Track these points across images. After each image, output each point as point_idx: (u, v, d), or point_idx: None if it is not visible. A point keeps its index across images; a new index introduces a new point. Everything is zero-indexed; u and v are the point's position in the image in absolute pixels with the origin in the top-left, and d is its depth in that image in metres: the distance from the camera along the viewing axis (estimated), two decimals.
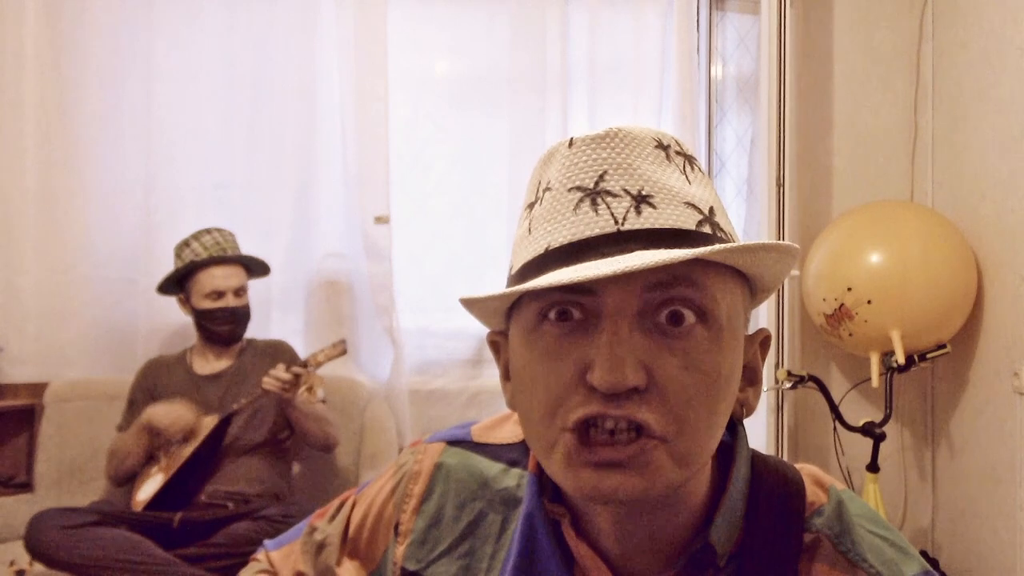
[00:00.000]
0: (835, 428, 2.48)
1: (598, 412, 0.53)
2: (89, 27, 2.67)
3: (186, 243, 2.42)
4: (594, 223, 0.55)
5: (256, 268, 2.54)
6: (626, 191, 0.56)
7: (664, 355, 0.54)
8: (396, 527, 0.74)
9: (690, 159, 0.61)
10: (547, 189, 0.59)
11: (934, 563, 2.69)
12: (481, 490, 0.71)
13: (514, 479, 0.71)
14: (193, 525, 2.16)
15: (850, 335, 2.52)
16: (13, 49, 2.61)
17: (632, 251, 0.54)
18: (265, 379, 2.29)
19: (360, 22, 2.73)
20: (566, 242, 0.56)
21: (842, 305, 2.48)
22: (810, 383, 2.39)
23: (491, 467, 0.72)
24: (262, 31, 2.76)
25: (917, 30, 2.86)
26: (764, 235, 2.56)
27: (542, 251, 0.57)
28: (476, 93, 2.92)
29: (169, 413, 2.29)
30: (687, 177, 0.59)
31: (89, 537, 2.00)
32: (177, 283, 2.44)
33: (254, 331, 2.52)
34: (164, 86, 2.71)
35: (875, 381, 2.52)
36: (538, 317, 0.57)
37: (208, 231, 2.44)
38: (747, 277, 0.61)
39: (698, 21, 2.96)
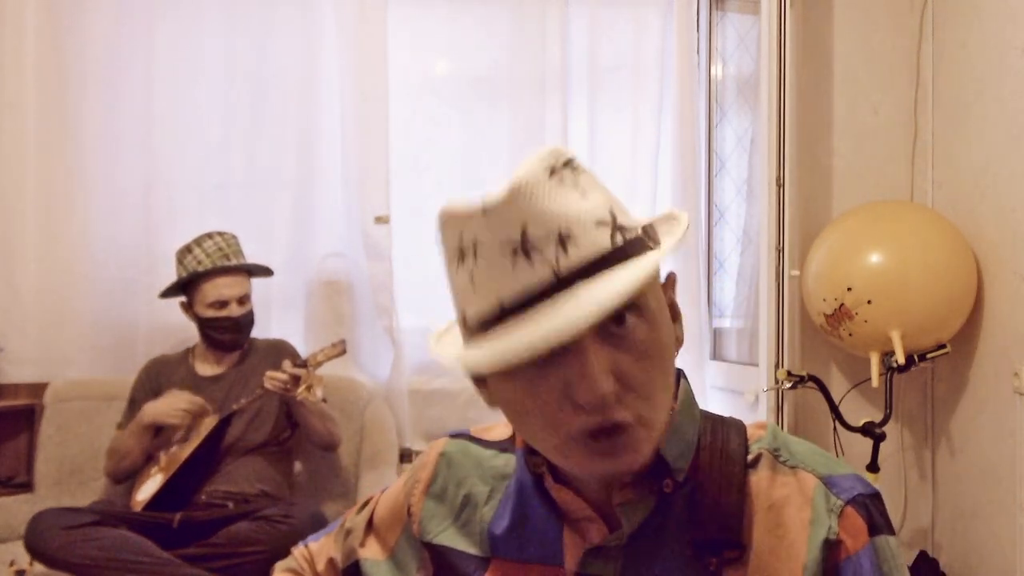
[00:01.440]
0: (835, 428, 2.48)
1: (594, 424, 0.65)
2: (89, 27, 2.67)
3: (188, 249, 2.40)
4: (534, 274, 0.63)
5: (259, 271, 2.53)
6: (548, 235, 0.63)
7: (621, 356, 0.65)
8: (409, 510, 0.87)
9: (573, 166, 0.68)
10: (477, 245, 0.66)
11: (934, 563, 2.69)
12: (476, 469, 0.85)
13: (503, 460, 0.84)
14: (193, 525, 2.16)
15: (850, 335, 2.52)
16: (13, 49, 2.62)
17: (575, 290, 0.63)
18: (266, 378, 2.29)
19: (360, 22, 2.73)
20: (517, 296, 0.63)
21: (842, 305, 2.48)
22: (810, 383, 2.39)
23: (484, 452, 0.86)
24: (262, 31, 2.76)
25: (917, 30, 2.86)
26: (764, 235, 2.55)
27: (497, 308, 0.64)
28: (476, 93, 2.92)
29: (174, 408, 2.29)
30: (581, 191, 0.67)
31: (89, 537, 2.00)
32: (180, 287, 2.43)
33: (254, 331, 2.52)
34: (164, 86, 2.71)
35: (875, 381, 2.51)
36: None
37: (210, 235, 2.41)
38: None
39: (698, 21, 2.96)
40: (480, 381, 0.74)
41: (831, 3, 2.86)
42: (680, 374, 0.78)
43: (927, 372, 2.83)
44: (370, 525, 0.91)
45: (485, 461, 0.84)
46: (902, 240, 2.52)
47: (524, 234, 0.63)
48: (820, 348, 2.82)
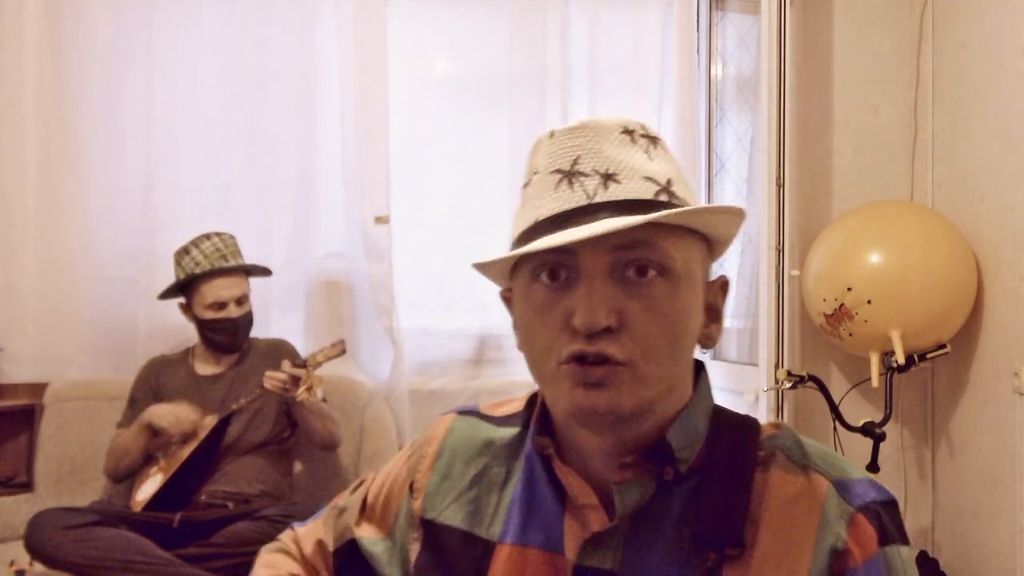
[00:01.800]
0: (835, 428, 2.48)
1: (580, 350, 0.66)
2: (89, 27, 2.67)
3: (186, 250, 2.39)
4: (571, 198, 0.68)
5: (257, 272, 2.53)
6: (595, 171, 0.69)
7: (631, 301, 0.67)
8: (411, 485, 0.84)
9: (653, 140, 0.73)
10: (535, 173, 0.72)
11: (934, 563, 2.69)
12: (486, 448, 0.82)
13: (516, 438, 0.82)
14: (193, 525, 2.16)
15: (850, 335, 2.52)
16: (13, 49, 2.61)
17: (600, 218, 0.66)
18: (265, 378, 2.29)
19: (360, 22, 2.73)
20: (549, 214, 0.69)
21: (842, 305, 2.48)
22: (810, 383, 2.39)
23: (496, 430, 0.83)
24: (262, 31, 2.76)
25: (917, 30, 2.86)
26: (764, 235, 2.56)
27: (532, 223, 0.70)
28: (476, 93, 2.92)
29: (172, 413, 2.29)
30: (648, 155, 0.71)
31: (89, 537, 2.00)
32: (179, 288, 2.43)
33: (254, 330, 2.52)
34: (164, 86, 2.71)
35: (875, 381, 2.51)
36: (531, 276, 0.70)
37: (207, 236, 2.41)
38: (703, 235, 0.73)
39: (698, 21, 2.96)
40: (507, 299, 0.78)
41: (831, 3, 2.86)
42: (700, 367, 0.78)
43: (927, 372, 2.83)
44: (365, 505, 0.90)
45: (497, 439, 0.82)
46: (902, 240, 2.52)
47: (574, 164, 0.69)
48: (820, 348, 2.82)
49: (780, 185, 2.55)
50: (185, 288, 2.41)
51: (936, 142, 2.81)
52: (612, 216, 0.66)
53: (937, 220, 2.60)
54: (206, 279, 2.36)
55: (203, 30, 2.75)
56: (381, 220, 2.73)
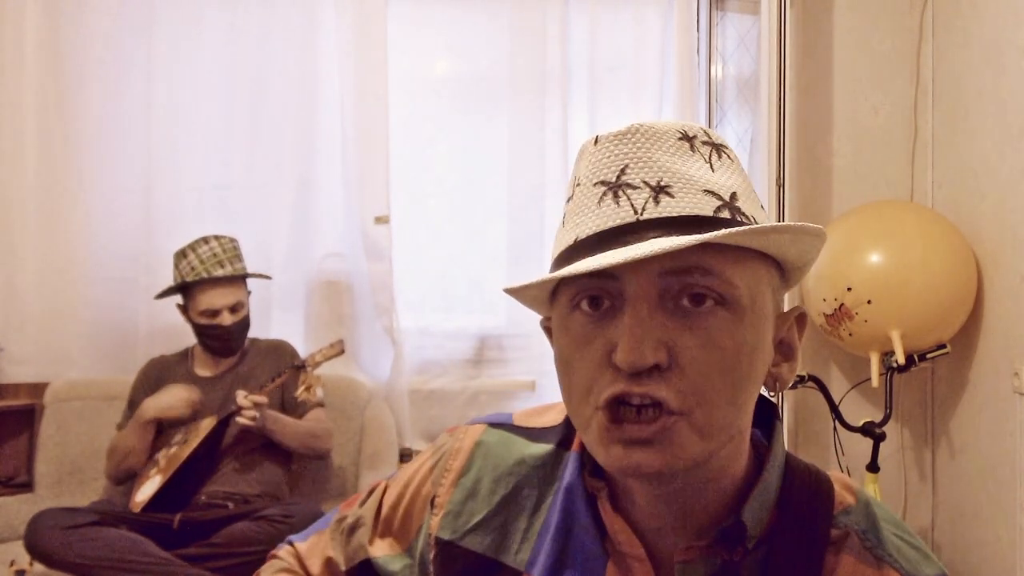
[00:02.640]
0: (835, 428, 2.48)
1: (623, 391, 0.57)
2: (89, 27, 2.67)
3: (183, 253, 2.38)
4: (615, 214, 0.60)
5: (252, 277, 2.52)
6: (645, 183, 0.60)
7: (684, 334, 0.58)
8: (432, 500, 0.77)
9: (718, 148, 0.64)
10: (577, 184, 0.64)
11: None
12: (517, 467, 0.75)
13: (551, 457, 0.74)
14: (193, 525, 2.16)
15: (850, 335, 2.52)
16: (13, 49, 2.62)
17: (649, 239, 0.58)
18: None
19: (360, 23, 2.73)
20: (591, 233, 0.60)
21: (842, 305, 2.48)
22: (810, 383, 2.39)
23: (529, 446, 0.75)
24: (262, 31, 2.76)
25: (917, 30, 2.86)
26: None
27: (572, 242, 0.61)
28: (476, 93, 2.92)
29: (176, 399, 2.29)
30: (711, 166, 0.62)
31: (89, 537, 2.00)
32: (177, 288, 2.43)
33: (254, 331, 2.52)
34: (164, 86, 2.71)
35: (875, 381, 2.51)
36: (571, 304, 0.62)
37: (206, 240, 2.38)
38: (773, 257, 0.64)
39: (698, 21, 2.96)
40: (549, 330, 0.69)
41: (831, 3, 2.86)
42: (772, 411, 0.70)
43: (927, 372, 2.83)
44: (379, 518, 0.82)
45: (530, 459, 0.74)
46: (902, 240, 2.52)
47: (620, 175, 0.61)
48: (820, 348, 2.82)
49: (780, 185, 2.55)
50: (183, 288, 2.41)
51: (936, 142, 2.81)
52: (662, 236, 0.58)
53: (937, 220, 2.60)
54: (200, 286, 2.36)
55: (204, 30, 2.75)
56: (381, 220, 2.73)
